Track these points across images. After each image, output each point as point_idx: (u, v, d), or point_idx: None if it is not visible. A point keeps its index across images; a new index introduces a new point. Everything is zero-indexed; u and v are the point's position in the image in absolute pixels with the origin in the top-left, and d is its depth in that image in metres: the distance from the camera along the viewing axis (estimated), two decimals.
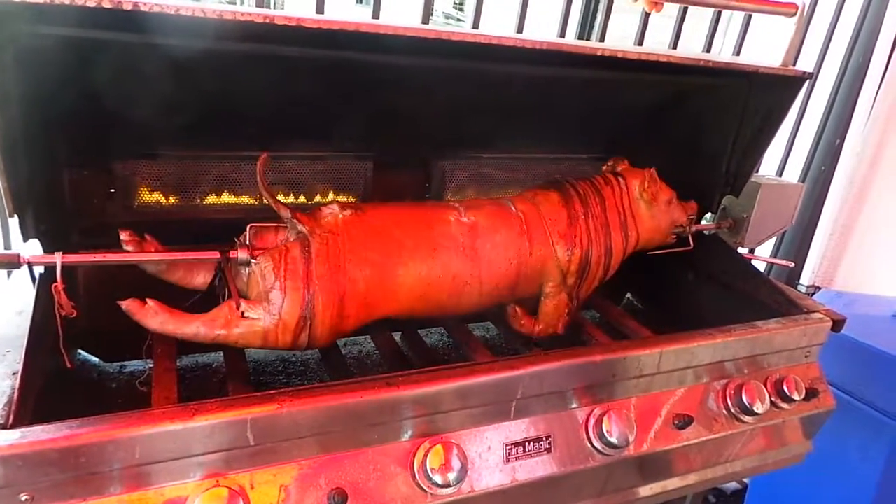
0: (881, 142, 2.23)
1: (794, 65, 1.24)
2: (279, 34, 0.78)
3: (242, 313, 0.86)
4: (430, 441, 0.80)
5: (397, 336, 1.19)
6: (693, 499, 1.58)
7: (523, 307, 1.14)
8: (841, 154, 2.25)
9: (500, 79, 1.14)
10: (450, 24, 7.59)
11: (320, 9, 1.33)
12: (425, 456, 0.78)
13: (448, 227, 1.00)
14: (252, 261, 0.89)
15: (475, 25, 1.56)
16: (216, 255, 0.91)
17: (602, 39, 1.71)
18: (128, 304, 0.84)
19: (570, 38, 1.76)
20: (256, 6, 1.47)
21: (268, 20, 0.73)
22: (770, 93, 1.26)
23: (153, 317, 0.85)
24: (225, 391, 0.94)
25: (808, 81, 1.22)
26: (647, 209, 1.21)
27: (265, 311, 0.86)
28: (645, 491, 1.05)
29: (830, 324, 1.18)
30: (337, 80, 1.04)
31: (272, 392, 0.73)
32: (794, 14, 1.19)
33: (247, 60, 0.93)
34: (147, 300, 0.85)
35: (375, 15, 1.41)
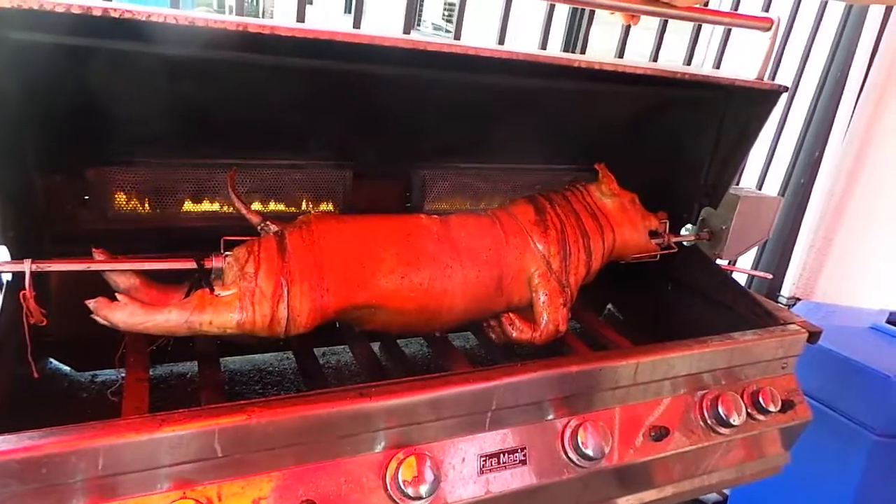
0: (860, 154, 2.27)
1: (773, 78, 1.26)
2: (255, 42, 0.78)
3: (216, 294, 0.85)
4: (403, 452, 0.79)
5: (376, 346, 1.18)
6: None
7: (518, 314, 1.13)
8: (820, 167, 2.28)
9: (480, 89, 1.14)
10: (438, 34, 7.64)
11: (301, 17, 1.33)
12: (398, 468, 0.77)
13: (420, 220, 1.04)
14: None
15: (457, 36, 1.57)
16: (191, 262, 0.90)
17: (583, 51, 1.73)
18: (95, 302, 0.82)
19: (553, 50, 1.78)
20: (236, 13, 1.48)
21: (240, 28, 0.72)
22: (747, 106, 1.27)
23: (121, 309, 0.82)
24: (198, 401, 0.93)
25: (785, 94, 1.24)
26: (614, 205, 1.23)
27: (239, 286, 0.85)
28: (622, 503, 1.04)
29: (807, 335, 1.19)
30: (316, 88, 1.04)
31: (242, 402, 0.72)
32: (770, 28, 1.20)
33: (223, 68, 0.93)
34: (117, 296, 0.83)
35: (357, 23, 1.41)
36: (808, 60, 2.10)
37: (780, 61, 1.99)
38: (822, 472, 1.69)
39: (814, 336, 1.20)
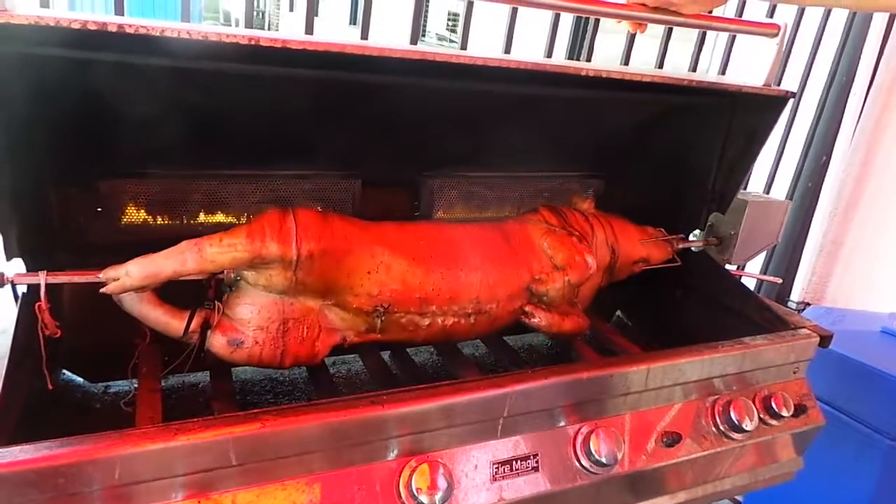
0: (867, 159, 2.27)
1: (779, 84, 1.26)
2: (266, 55, 0.79)
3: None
4: (415, 460, 0.79)
5: (386, 355, 1.18)
6: None
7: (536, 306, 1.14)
8: (828, 171, 2.27)
9: (488, 98, 1.15)
10: (443, 45, 7.68)
11: (309, 29, 1.34)
12: (411, 475, 0.78)
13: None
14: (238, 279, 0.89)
15: (463, 46, 1.58)
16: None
17: (589, 59, 1.73)
18: (106, 272, 0.84)
19: (559, 58, 1.79)
20: (246, 26, 1.50)
21: (252, 41, 0.73)
22: (754, 112, 1.28)
23: (132, 265, 0.83)
24: (210, 411, 0.94)
25: (791, 100, 1.24)
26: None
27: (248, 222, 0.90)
28: None
29: (818, 339, 1.18)
30: (324, 99, 1.05)
31: (255, 411, 0.73)
32: (776, 35, 1.21)
33: (233, 80, 0.94)
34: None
35: (364, 34, 1.43)
36: (813, 66, 2.10)
37: (785, 67, 1.99)
38: (836, 477, 1.67)
39: (825, 340, 1.19)
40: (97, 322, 0.96)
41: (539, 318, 1.09)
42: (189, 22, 1.36)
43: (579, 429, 0.92)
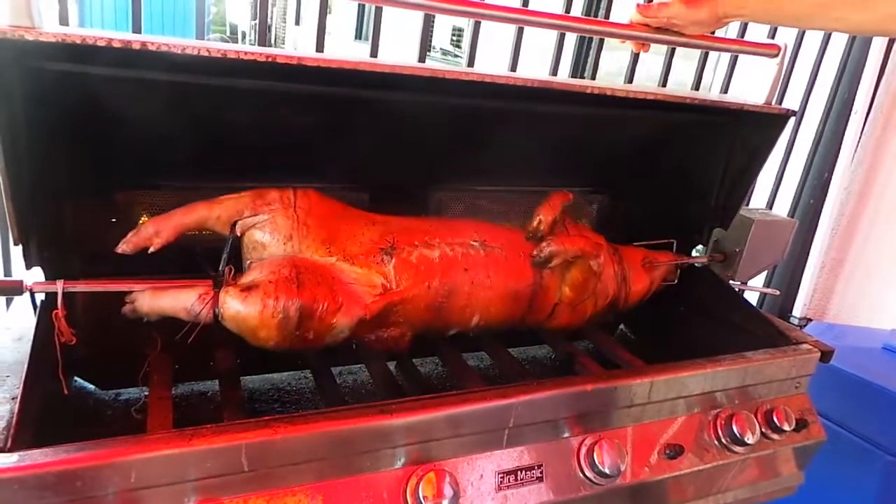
0: (867, 178, 2.29)
1: (780, 102, 1.29)
2: (281, 72, 0.82)
3: None
4: (422, 469, 0.81)
5: (392, 365, 1.20)
6: None
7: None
8: (829, 188, 2.29)
9: (494, 114, 1.18)
10: (447, 60, 7.76)
11: (320, 46, 1.37)
12: (417, 483, 0.79)
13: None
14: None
15: (470, 62, 1.61)
16: (209, 283, 0.93)
17: (594, 76, 1.77)
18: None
19: (563, 75, 1.82)
20: (258, 42, 1.53)
21: (270, 59, 0.76)
22: (756, 129, 1.30)
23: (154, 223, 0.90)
24: (220, 418, 0.95)
25: (793, 118, 1.27)
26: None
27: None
28: None
29: (819, 355, 1.20)
30: (334, 114, 1.08)
31: (267, 418, 0.75)
32: (777, 55, 1.23)
33: (247, 95, 0.97)
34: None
35: (374, 52, 1.46)
36: (814, 84, 2.13)
37: (787, 85, 2.02)
38: (837, 492, 1.68)
39: (826, 355, 1.21)
40: (109, 330, 0.98)
41: (548, 243, 1.13)
42: (204, 38, 1.39)
43: (583, 440, 0.94)
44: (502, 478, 0.86)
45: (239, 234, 0.96)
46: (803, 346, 1.20)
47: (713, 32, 1.15)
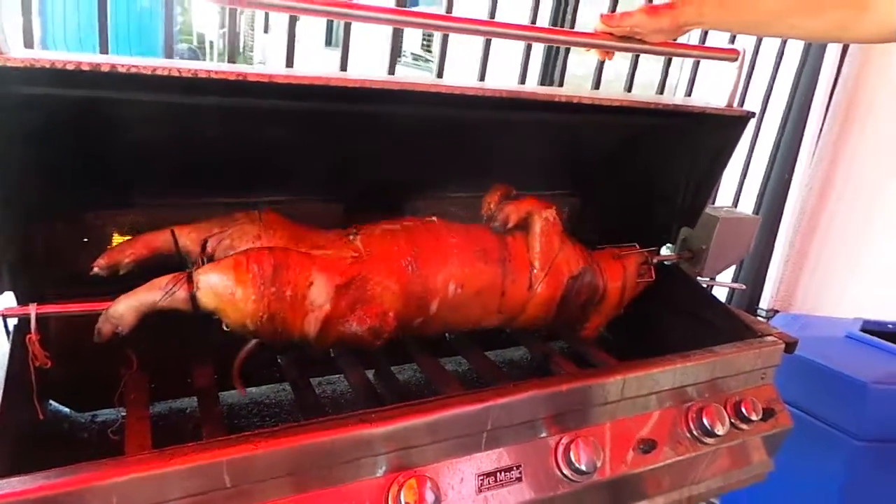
0: (827, 175, 2.38)
1: (742, 104, 1.33)
2: (250, 89, 0.83)
3: None
4: (403, 475, 0.82)
5: (370, 374, 1.21)
6: None
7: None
8: (791, 186, 2.37)
9: (465, 123, 1.20)
10: (419, 65, 7.78)
11: (290, 58, 1.38)
12: (399, 490, 0.80)
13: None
14: None
15: (440, 69, 1.64)
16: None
17: (561, 82, 1.81)
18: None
19: (532, 81, 1.86)
20: (228, 55, 1.53)
21: (240, 77, 0.77)
22: (718, 131, 1.34)
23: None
24: (200, 436, 0.95)
25: (752, 119, 1.32)
26: None
27: None
28: None
29: (783, 346, 1.24)
30: (307, 128, 1.09)
31: (248, 434, 0.75)
32: (736, 59, 1.28)
33: (218, 112, 0.97)
34: None
35: (344, 60, 1.47)
36: (774, 86, 2.21)
37: (747, 88, 2.09)
38: (806, 477, 1.74)
39: (790, 346, 1.26)
40: (83, 352, 0.98)
41: (500, 208, 1.17)
42: (172, 50, 1.39)
43: (560, 439, 0.96)
44: (482, 480, 0.88)
45: (210, 252, 0.96)
46: (768, 339, 1.24)
47: (676, 39, 1.19)
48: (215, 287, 0.88)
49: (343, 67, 1.53)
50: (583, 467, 0.93)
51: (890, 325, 1.98)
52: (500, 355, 1.48)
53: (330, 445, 0.78)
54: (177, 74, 0.74)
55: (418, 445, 0.84)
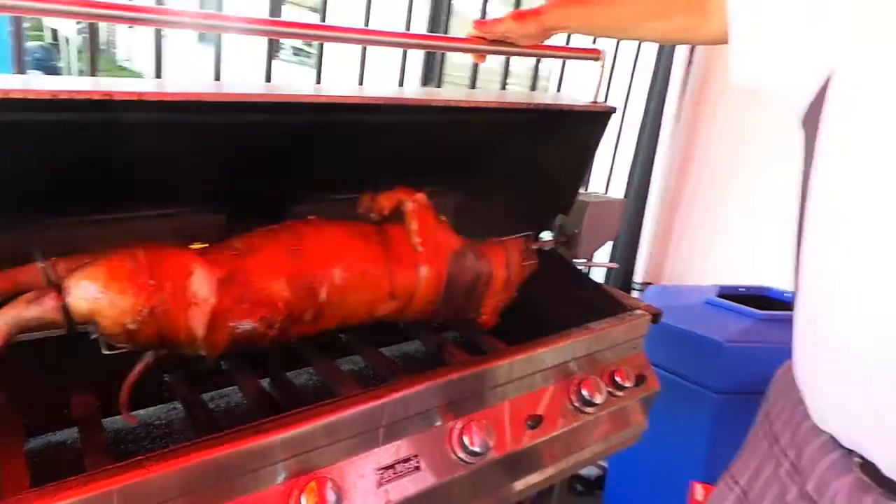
0: (686, 156, 2.66)
1: (606, 98, 1.46)
2: (118, 106, 0.80)
3: None
4: (303, 479, 0.84)
5: (265, 382, 1.20)
6: (560, 486, 1.75)
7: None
8: (654, 168, 2.62)
9: (345, 127, 1.22)
10: (301, 60, 7.57)
11: (158, 69, 1.33)
12: (300, 495, 0.82)
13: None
14: None
15: (319, 70, 1.64)
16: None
17: (440, 82, 1.87)
18: None
19: (413, 81, 1.90)
20: (90, 53, 1.44)
21: (107, 97, 0.74)
22: (585, 125, 1.46)
23: None
24: (83, 467, 0.91)
25: (615, 114, 1.44)
26: None
27: None
28: (510, 490, 1.16)
29: (650, 317, 1.39)
30: (181, 140, 1.06)
31: (138, 458, 0.73)
32: (599, 58, 1.40)
33: (87, 129, 0.92)
34: None
35: (217, 61, 1.44)
36: (633, 81, 2.42)
37: (610, 82, 2.28)
38: (678, 430, 1.95)
39: (656, 317, 1.40)
40: None
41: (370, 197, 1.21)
42: (24, 72, 1.28)
43: (454, 425, 1.02)
44: (382, 473, 0.92)
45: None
46: (637, 312, 1.38)
47: (544, 42, 1.28)
48: (87, 289, 0.82)
49: (217, 68, 1.49)
50: (477, 449, 1.00)
51: (742, 290, 2.23)
52: (396, 350, 1.52)
53: (225, 460, 0.78)
54: (34, 97, 0.70)
55: (317, 448, 0.86)
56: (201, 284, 0.92)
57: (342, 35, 0.97)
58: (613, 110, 1.43)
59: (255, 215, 1.29)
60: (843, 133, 0.80)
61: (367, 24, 1.69)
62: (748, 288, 2.21)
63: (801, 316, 0.93)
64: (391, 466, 0.93)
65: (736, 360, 1.86)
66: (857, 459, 0.84)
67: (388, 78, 1.85)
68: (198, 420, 1.06)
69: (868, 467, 0.82)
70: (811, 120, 0.85)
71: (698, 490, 1.94)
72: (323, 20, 1.75)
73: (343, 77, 1.66)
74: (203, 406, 1.09)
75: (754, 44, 0.95)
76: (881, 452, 0.80)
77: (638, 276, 2.70)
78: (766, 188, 2.47)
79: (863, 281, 0.80)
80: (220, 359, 1.01)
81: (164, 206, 1.17)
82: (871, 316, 0.79)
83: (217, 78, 1.48)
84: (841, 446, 0.87)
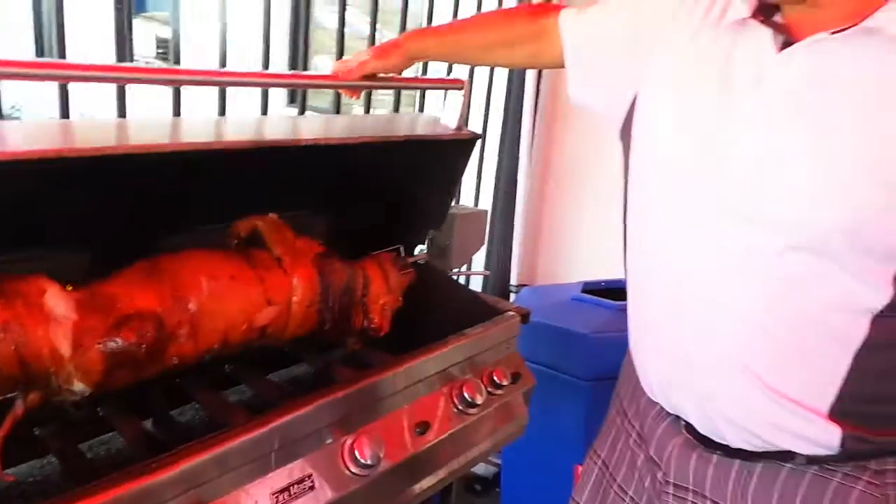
0: (545, 164, 2.92)
1: (466, 120, 1.58)
2: None
3: None
4: None
5: (148, 423, 1.17)
6: (457, 487, 1.84)
7: None
8: (518, 178, 2.83)
9: (212, 160, 1.22)
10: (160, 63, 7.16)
11: None
12: None
13: None
14: None
15: (176, 112, 1.61)
16: None
17: (303, 111, 1.90)
18: None
19: (279, 104, 1.91)
20: None
21: None
22: (453, 150, 1.56)
23: None
24: None
25: (479, 140, 1.57)
26: None
27: None
28: (408, 495, 1.21)
29: (520, 318, 1.52)
30: (38, 184, 1.01)
31: None
32: (461, 88, 1.52)
33: None
34: None
35: (64, 102, 1.37)
36: (491, 100, 2.62)
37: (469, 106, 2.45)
38: (559, 419, 2.12)
39: (525, 317, 1.53)
40: None
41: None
42: None
43: (345, 441, 1.06)
44: (277, 497, 0.94)
45: None
46: (508, 314, 1.50)
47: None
48: None
49: (63, 100, 1.43)
50: (368, 461, 1.04)
51: (602, 283, 2.46)
52: (286, 374, 1.53)
53: None
54: None
55: (208, 481, 0.87)
56: (57, 303, 0.90)
57: (202, 79, 0.98)
58: (478, 137, 1.56)
59: (119, 254, 1.25)
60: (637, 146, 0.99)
61: (223, 32, 1.68)
62: (608, 282, 2.45)
63: (629, 297, 1.11)
64: (286, 489, 0.95)
65: (600, 350, 2.06)
66: (682, 423, 1.01)
67: (251, 97, 1.84)
68: (76, 471, 1.01)
69: (690, 428, 0.99)
70: (625, 133, 1.03)
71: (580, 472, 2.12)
72: (176, 31, 1.74)
73: (205, 100, 1.64)
74: (80, 456, 1.04)
75: (579, 68, 1.12)
76: (693, 414, 0.97)
77: (514, 280, 2.89)
78: (615, 188, 2.76)
79: (652, 268, 0.98)
80: (98, 397, 0.98)
81: (33, 249, 1.11)
82: (652, 295, 0.97)
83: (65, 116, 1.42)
84: (670, 413, 1.04)
